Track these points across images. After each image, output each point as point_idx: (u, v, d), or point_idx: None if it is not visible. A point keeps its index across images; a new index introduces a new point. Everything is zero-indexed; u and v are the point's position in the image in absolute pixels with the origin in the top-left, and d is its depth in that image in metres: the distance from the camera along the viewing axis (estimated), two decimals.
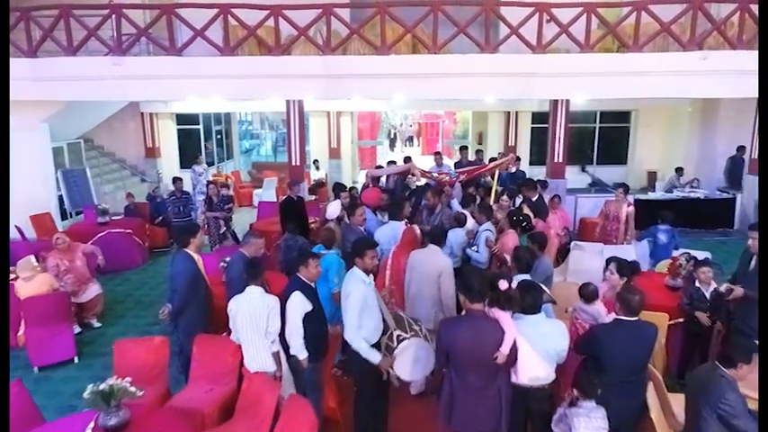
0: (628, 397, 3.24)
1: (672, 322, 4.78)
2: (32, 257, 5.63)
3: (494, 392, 3.10)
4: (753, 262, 4.28)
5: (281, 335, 3.74)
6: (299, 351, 3.63)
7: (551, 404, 3.26)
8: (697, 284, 4.56)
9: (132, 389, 3.12)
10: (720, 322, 4.46)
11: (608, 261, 4.62)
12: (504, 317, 3.07)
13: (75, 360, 5.55)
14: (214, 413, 3.79)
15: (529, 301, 3.21)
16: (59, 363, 5.45)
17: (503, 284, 3.08)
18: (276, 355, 3.77)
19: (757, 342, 3.19)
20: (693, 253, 5.58)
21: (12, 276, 5.94)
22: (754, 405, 3.16)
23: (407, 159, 9.17)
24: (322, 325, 3.84)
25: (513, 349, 3.05)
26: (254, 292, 3.77)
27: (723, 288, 4.35)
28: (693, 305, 4.51)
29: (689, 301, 4.54)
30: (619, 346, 3.18)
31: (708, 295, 4.49)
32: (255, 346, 3.76)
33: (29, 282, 5.42)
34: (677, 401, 3.52)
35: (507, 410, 3.12)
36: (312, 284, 3.82)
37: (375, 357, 3.62)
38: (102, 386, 3.05)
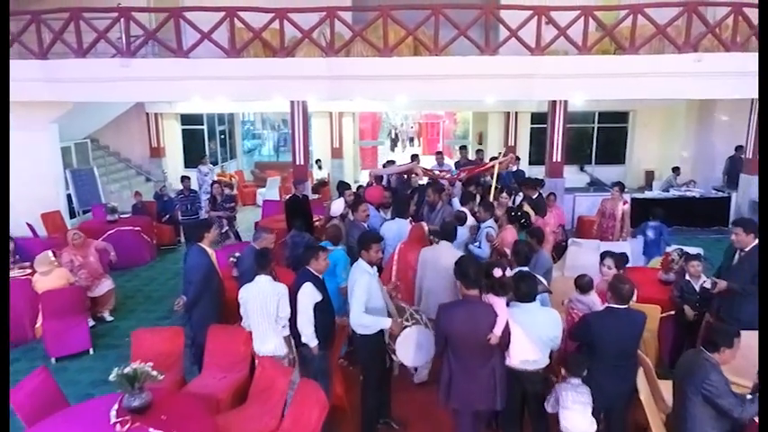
0: (619, 380, 3.45)
1: (664, 315, 4.99)
2: (50, 253, 5.84)
3: (488, 372, 3.31)
4: (736, 257, 4.49)
5: (293, 323, 3.95)
6: (311, 339, 3.84)
7: (546, 387, 3.47)
8: (687, 278, 4.77)
9: (154, 373, 3.32)
10: (709, 314, 4.67)
11: (602, 256, 4.82)
12: (497, 302, 3.29)
13: (91, 352, 5.76)
14: (228, 398, 4.01)
15: (524, 289, 3.43)
16: (75, 354, 5.66)
17: (497, 272, 3.32)
18: (288, 339, 3.99)
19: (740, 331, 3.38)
20: (686, 249, 5.80)
21: (28, 272, 6.17)
22: (736, 389, 3.36)
23: (415, 157, 9.37)
24: (330, 315, 4.05)
25: (506, 332, 3.26)
26: (263, 280, 4.00)
27: (708, 283, 4.56)
28: (683, 297, 4.72)
29: (679, 294, 4.76)
30: (610, 332, 3.39)
31: (697, 288, 4.69)
32: (265, 332, 3.99)
33: (46, 276, 5.63)
34: (666, 387, 3.73)
35: (502, 389, 3.33)
36: (321, 276, 4.04)
37: (386, 323, 3.84)
38: (127, 369, 3.25)
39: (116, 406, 3.33)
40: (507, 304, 3.43)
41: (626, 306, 3.46)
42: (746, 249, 4.40)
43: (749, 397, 3.23)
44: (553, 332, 3.40)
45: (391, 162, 9.84)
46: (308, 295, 3.82)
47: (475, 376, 3.34)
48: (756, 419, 3.23)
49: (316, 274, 3.97)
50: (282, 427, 3.55)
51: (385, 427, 4.31)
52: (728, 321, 4.32)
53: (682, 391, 3.29)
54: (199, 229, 4.75)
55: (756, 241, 4.38)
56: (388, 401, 4.38)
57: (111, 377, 3.25)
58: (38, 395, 3.59)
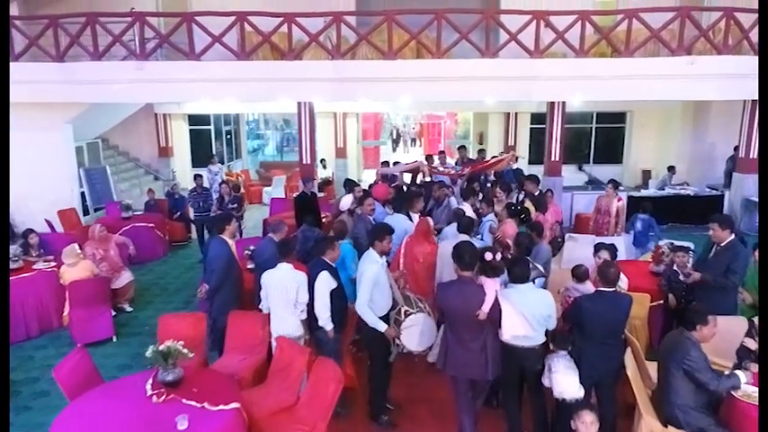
0: (607, 357, 3.79)
1: (654, 304, 5.33)
2: (76, 246, 6.17)
3: (479, 345, 3.67)
4: (713, 250, 4.80)
5: (310, 308, 4.28)
6: (327, 322, 4.18)
7: (543, 364, 3.81)
8: (675, 268, 5.10)
9: (185, 351, 3.65)
10: (694, 302, 4.99)
11: (596, 248, 5.15)
12: (488, 283, 3.64)
13: (114, 339, 6.10)
14: (249, 377, 4.33)
15: (517, 272, 3.80)
16: (100, 341, 5.98)
17: (488, 256, 3.67)
18: (305, 323, 4.34)
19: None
20: (677, 243, 6.13)
21: (52, 264, 6.51)
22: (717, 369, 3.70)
23: (429, 158, 9.79)
24: (344, 300, 4.40)
25: (496, 310, 3.59)
26: (285, 267, 4.34)
27: (682, 276, 4.90)
28: (670, 286, 5.05)
29: (666, 283, 5.09)
30: (599, 313, 3.74)
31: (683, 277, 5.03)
32: (283, 314, 4.33)
33: (73, 267, 5.96)
34: (653, 367, 4.06)
35: (493, 362, 3.67)
36: (334, 265, 4.38)
37: (381, 327, 4.18)
38: (162, 347, 3.58)
39: (150, 380, 3.66)
40: (505, 286, 3.77)
41: (613, 289, 3.80)
42: (722, 244, 4.70)
43: (726, 373, 3.58)
44: (546, 311, 3.72)
45: (386, 163, 10.22)
46: (325, 283, 4.16)
47: (468, 348, 3.69)
48: (733, 393, 3.58)
49: (330, 263, 4.31)
50: (300, 402, 3.89)
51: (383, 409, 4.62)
52: None
53: (665, 368, 3.62)
54: (220, 221, 5.10)
55: (732, 236, 4.69)
56: (387, 385, 4.70)
57: (148, 353, 3.58)
58: (77, 372, 3.91)
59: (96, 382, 3.98)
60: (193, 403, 3.43)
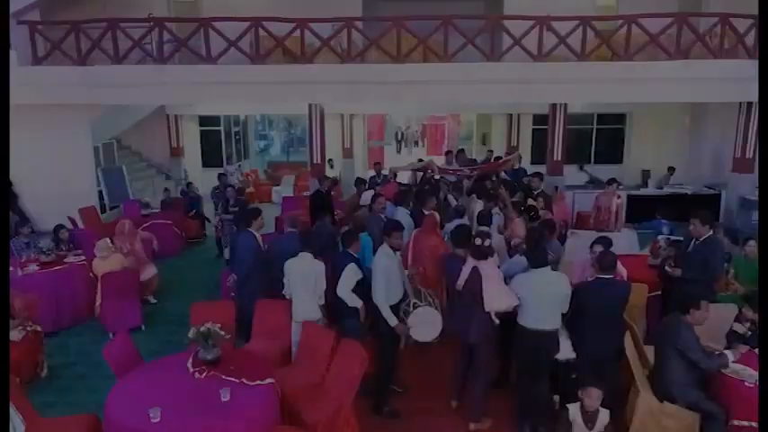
0: (606, 337, 4.16)
1: (651, 294, 5.69)
2: (108, 240, 6.54)
3: (465, 309, 4.31)
4: (692, 245, 5.15)
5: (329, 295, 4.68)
6: (356, 302, 4.61)
7: (558, 346, 4.18)
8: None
9: (222, 332, 4.01)
10: None
11: (594, 243, 5.49)
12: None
13: (142, 328, 6.46)
14: (277, 359, 4.69)
15: (537, 258, 4.20)
16: (130, 330, 6.31)
17: (477, 241, 4.24)
18: (323, 307, 4.75)
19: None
20: (674, 238, 6.51)
21: (82, 258, 6.88)
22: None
23: (450, 154, 10.33)
24: (368, 287, 4.75)
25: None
26: (306, 257, 4.70)
27: (666, 267, 5.28)
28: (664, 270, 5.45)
29: (661, 267, 5.49)
30: (596, 297, 4.13)
31: None
32: (303, 300, 4.70)
33: (105, 260, 6.31)
34: (650, 350, 4.43)
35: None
36: (357, 256, 4.76)
37: (392, 321, 4.57)
38: (203, 329, 3.93)
39: (191, 359, 4.02)
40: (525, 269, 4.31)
41: (611, 276, 4.17)
42: (701, 239, 5.04)
43: (717, 353, 3.95)
44: (564, 290, 4.11)
45: (378, 164, 10.67)
46: (353, 273, 4.57)
47: (458, 310, 4.42)
48: (722, 371, 3.94)
49: (355, 255, 4.68)
50: (328, 379, 4.25)
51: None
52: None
53: (661, 348, 4.00)
54: (249, 216, 5.48)
55: (710, 232, 5.03)
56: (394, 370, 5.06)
57: (190, 334, 3.93)
58: (122, 353, 4.28)
59: (138, 363, 4.35)
60: (232, 379, 3.79)
